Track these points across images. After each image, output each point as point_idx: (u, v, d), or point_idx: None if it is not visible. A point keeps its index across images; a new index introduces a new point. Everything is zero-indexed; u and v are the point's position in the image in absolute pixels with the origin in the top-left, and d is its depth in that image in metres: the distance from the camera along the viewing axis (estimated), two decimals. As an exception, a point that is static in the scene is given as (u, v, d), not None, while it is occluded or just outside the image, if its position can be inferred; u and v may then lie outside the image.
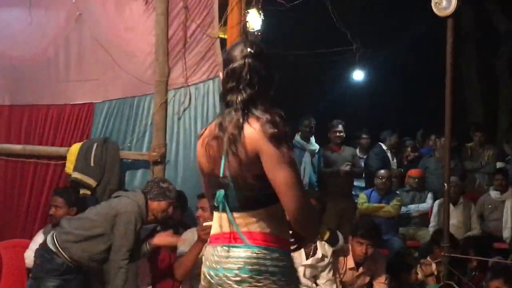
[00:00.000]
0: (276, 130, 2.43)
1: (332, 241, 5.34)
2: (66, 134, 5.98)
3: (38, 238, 5.21)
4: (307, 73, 10.01)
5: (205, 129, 2.71)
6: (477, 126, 9.70)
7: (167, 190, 4.81)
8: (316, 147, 7.97)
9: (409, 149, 9.41)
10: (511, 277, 4.90)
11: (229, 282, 2.51)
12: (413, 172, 8.40)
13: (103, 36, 5.93)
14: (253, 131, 2.45)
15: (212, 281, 2.58)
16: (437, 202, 7.74)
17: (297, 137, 8.03)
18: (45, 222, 5.77)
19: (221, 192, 2.54)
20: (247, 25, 5.92)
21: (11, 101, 6.07)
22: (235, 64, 2.56)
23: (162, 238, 4.87)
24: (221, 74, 2.64)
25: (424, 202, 8.10)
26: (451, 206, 7.09)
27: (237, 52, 2.58)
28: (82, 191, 5.59)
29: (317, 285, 5.07)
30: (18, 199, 5.96)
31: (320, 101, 9.96)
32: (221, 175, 2.54)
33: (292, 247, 2.64)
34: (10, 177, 5.99)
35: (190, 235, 4.90)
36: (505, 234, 7.61)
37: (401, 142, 9.49)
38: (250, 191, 2.50)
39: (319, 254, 5.03)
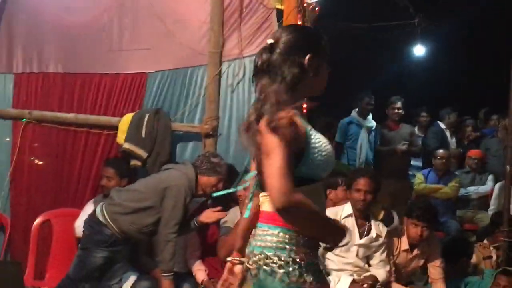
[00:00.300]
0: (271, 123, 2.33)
1: (386, 221, 5.22)
2: (118, 104, 5.93)
3: (89, 208, 5.19)
4: (366, 47, 9.75)
5: None
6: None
7: (218, 165, 4.74)
8: (373, 123, 7.83)
9: (469, 128, 9.07)
10: None
11: (251, 259, 2.48)
12: (473, 152, 8.14)
13: (157, 4, 5.83)
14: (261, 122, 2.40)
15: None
16: (498, 184, 7.51)
17: (354, 113, 7.89)
18: (95, 191, 5.80)
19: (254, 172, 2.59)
20: (305, -3, 5.73)
21: (64, 69, 6.05)
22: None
23: (208, 215, 4.82)
24: None
25: (484, 184, 7.86)
26: (513, 189, 6.89)
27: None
28: (132, 162, 5.54)
29: (369, 265, 4.95)
30: (69, 168, 5.96)
31: (378, 77, 9.70)
32: None
33: None
34: (61, 146, 5.98)
35: (233, 214, 4.82)
36: None
37: (462, 121, 9.17)
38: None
39: (373, 234, 4.93)
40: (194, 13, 5.83)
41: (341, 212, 4.92)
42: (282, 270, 2.39)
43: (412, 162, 8.18)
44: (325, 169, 2.50)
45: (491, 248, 5.87)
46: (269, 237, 2.45)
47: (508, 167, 5.26)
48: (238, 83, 5.73)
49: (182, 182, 4.57)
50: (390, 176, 7.05)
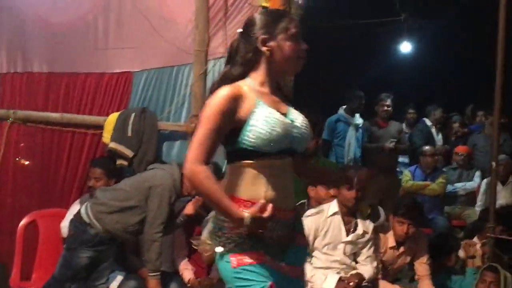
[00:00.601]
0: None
1: (373, 217, 5.22)
2: (104, 103, 5.90)
3: (75, 208, 5.15)
4: (352, 44, 9.74)
5: None
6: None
7: None
8: (360, 121, 7.81)
9: (457, 124, 9.07)
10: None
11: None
12: (460, 149, 8.15)
13: (142, 3, 5.81)
14: None
15: None
16: (485, 180, 7.52)
17: (341, 111, 7.88)
18: (82, 191, 5.77)
19: None
20: (291, -7, 5.71)
21: (49, 68, 6.03)
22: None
23: (189, 207, 4.84)
24: None
25: (471, 180, 7.88)
26: (499, 185, 6.94)
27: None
28: (118, 162, 5.51)
29: (356, 262, 4.94)
30: (55, 168, 5.94)
31: (365, 74, 9.69)
32: None
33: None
34: (47, 146, 5.96)
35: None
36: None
37: (449, 117, 9.18)
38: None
39: (360, 231, 4.93)
40: (180, 11, 5.79)
41: (327, 211, 4.91)
42: (218, 239, 2.60)
43: (400, 159, 8.16)
44: (273, 141, 2.52)
45: (477, 247, 5.87)
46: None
47: (493, 163, 5.26)
48: (224, 81, 5.71)
49: (167, 181, 4.55)
50: (378, 172, 7.05)
